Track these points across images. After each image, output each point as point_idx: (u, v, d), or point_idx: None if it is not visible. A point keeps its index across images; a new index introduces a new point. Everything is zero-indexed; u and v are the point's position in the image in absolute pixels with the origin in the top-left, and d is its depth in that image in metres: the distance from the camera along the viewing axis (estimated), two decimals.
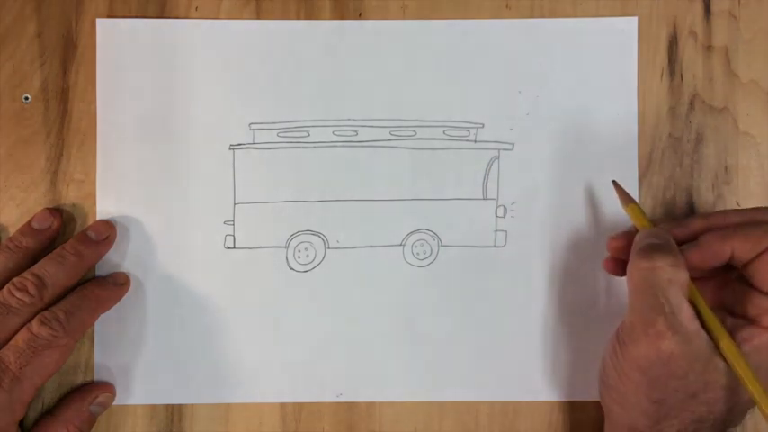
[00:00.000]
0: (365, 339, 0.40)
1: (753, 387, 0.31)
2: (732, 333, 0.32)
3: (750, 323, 0.33)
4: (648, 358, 0.32)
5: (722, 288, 0.35)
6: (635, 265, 0.33)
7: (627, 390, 0.34)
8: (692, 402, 0.32)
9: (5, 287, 0.36)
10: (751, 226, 0.33)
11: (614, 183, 0.38)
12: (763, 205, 0.40)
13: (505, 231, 0.40)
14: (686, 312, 0.32)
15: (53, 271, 0.36)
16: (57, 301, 0.36)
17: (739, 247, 0.33)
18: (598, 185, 0.39)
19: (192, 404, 0.39)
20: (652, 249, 0.33)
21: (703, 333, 0.32)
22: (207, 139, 0.40)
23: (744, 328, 0.32)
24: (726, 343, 0.32)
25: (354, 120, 0.40)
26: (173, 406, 0.39)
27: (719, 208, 0.40)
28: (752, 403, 0.33)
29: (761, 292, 0.33)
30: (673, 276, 0.32)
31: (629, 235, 0.36)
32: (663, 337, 0.32)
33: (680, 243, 0.34)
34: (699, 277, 0.35)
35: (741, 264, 0.33)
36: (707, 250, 0.33)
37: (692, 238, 0.34)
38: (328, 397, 0.40)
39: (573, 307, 0.40)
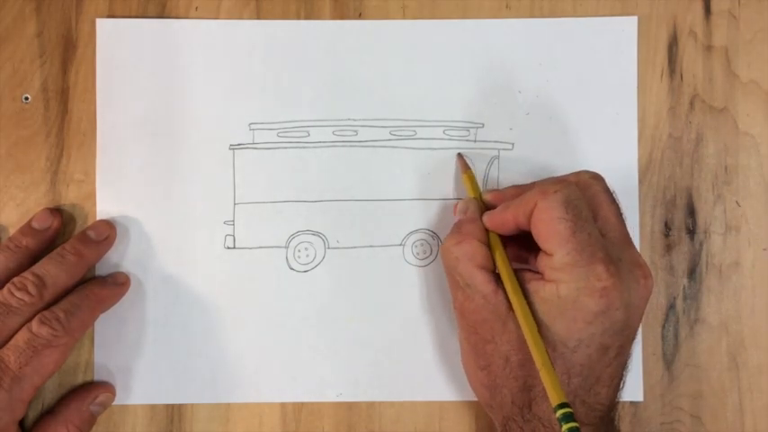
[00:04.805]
0: (365, 339, 0.40)
1: (526, 333, 0.32)
2: (526, 286, 0.34)
3: (539, 278, 0.33)
4: (462, 326, 0.36)
5: (533, 250, 0.36)
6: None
7: (466, 361, 0.37)
8: (508, 366, 0.33)
9: (6, 287, 0.36)
10: (526, 192, 0.35)
11: (458, 155, 0.40)
12: (759, 205, 0.40)
13: None
14: (479, 278, 0.34)
15: (53, 271, 0.36)
16: (57, 300, 0.36)
17: (517, 213, 0.34)
18: None
19: (192, 404, 0.39)
20: (451, 231, 0.36)
21: (501, 293, 0.34)
22: (207, 139, 0.40)
23: (532, 282, 0.33)
24: (509, 290, 0.33)
25: (354, 120, 0.40)
26: (173, 406, 0.39)
27: (719, 208, 0.40)
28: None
29: (542, 249, 0.33)
30: (458, 253, 0.35)
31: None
32: (463, 307, 0.35)
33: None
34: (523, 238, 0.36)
35: (528, 228, 0.34)
36: (496, 218, 0.36)
37: None
38: (328, 397, 0.40)
39: None
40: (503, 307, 0.34)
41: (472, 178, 0.39)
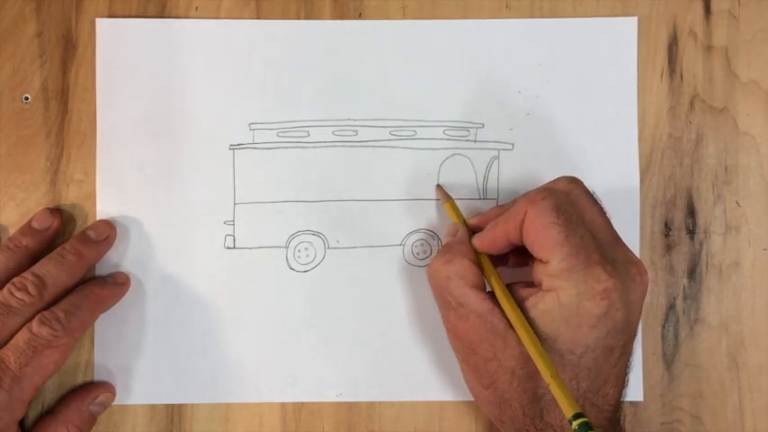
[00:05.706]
0: (365, 339, 0.40)
1: (530, 348, 0.32)
2: (523, 302, 0.33)
3: (536, 291, 0.33)
4: (457, 348, 0.35)
5: (529, 264, 0.36)
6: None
7: (468, 381, 0.36)
8: (515, 380, 0.33)
9: (6, 287, 0.36)
10: (511, 205, 0.35)
11: (438, 186, 0.40)
12: (759, 205, 0.40)
13: None
14: (472, 297, 0.34)
15: (53, 271, 0.36)
16: (57, 300, 0.36)
17: (507, 227, 0.34)
18: (598, 186, 0.39)
19: (192, 404, 0.39)
20: (438, 252, 0.36)
21: (497, 310, 0.34)
22: (207, 139, 0.40)
23: (530, 297, 0.33)
24: (506, 309, 0.33)
25: (354, 120, 0.40)
26: (173, 406, 0.39)
27: (719, 208, 0.40)
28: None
29: (537, 258, 0.33)
30: (449, 272, 0.34)
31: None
32: (457, 327, 0.34)
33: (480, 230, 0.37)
34: (518, 255, 0.37)
35: (519, 241, 0.34)
36: (486, 236, 0.36)
37: None
38: (328, 397, 0.40)
39: None
40: (501, 324, 0.33)
41: (455, 207, 0.39)
